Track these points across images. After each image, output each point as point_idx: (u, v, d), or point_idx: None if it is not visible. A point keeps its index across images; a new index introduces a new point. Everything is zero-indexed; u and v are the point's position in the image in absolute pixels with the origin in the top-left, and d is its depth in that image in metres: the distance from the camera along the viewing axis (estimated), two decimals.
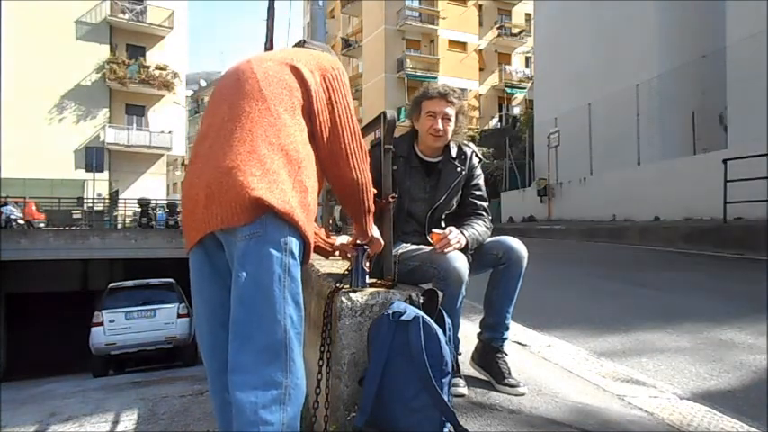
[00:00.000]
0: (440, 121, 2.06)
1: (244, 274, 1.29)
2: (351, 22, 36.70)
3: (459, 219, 2.11)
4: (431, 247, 1.99)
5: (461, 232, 1.95)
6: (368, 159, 1.56)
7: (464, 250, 1.92)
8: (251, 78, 1.44)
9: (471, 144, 2.23)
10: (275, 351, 1.28)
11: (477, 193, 2.17)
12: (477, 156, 2.19)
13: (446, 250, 1.85)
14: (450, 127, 2.09)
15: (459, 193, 2.15)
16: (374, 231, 1.75)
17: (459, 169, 2.13)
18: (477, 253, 2.01)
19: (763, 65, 8.67)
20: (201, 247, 1.40)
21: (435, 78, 29.04)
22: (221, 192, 1.31)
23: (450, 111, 2.07)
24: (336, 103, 1.49)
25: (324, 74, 1.50)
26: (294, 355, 1.31)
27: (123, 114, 24.85)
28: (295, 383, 1.30)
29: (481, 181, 2.20)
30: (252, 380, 1.26)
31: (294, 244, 1.33)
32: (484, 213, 2.14)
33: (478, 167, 2.20)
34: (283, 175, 1.33)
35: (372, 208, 1.65)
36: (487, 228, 2.10)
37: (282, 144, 1.35)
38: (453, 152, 2.14)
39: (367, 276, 1.79)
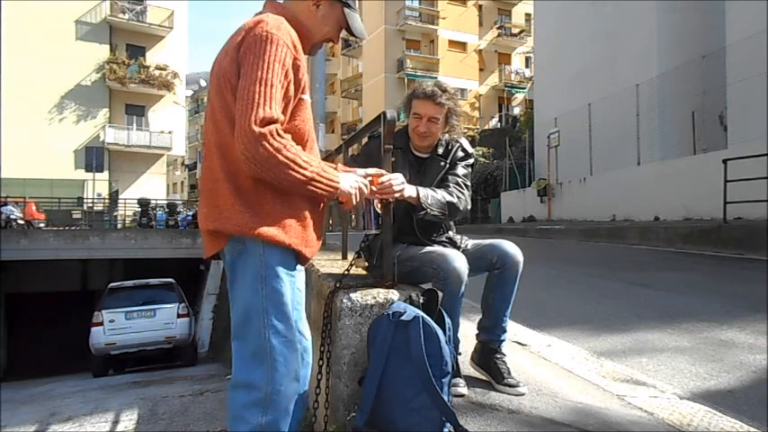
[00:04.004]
0: (424, 122, 2.04)
1: (232, 284, 1.39)
2: None
3: None
4: (430, 248, 1.99)
5: (418, 190, 1.89)
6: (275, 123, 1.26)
7: (418, 207, 1.89)
8: (210, 92, 1.43)
9: (462, 139, 2.18)
10: (260, 358, 1.34)
11: (453, 171, 2.10)
12: (463, 149, 2.14)
13: (387, 192, 1.69)
14: (437, 128, 2.06)
15: None
16: (342, 184, 1.40)
17: (442, 164, 2.11)
18: (472, 257, 2.00)
19: (763, 65, 8.65)
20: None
21: (435, 78, 28.99)
22: (200, 222, 1.43)
23: (437, 112, 2.02)
24: (242, 67, 1.28)
25: (241, 41, 1.31)
26: (278, 364, 1.34)
27: (123, 114, 24.90)
28: (277, 390, 1.34)
29: (461, 170, 2.12)
30: (240, 380, 1.36)
31: (272, 256, 1.35)
32: (451, 185, 2.05)
33: (464, 160, 2.14)
34: (240, 197, 1.32)
35: (310, 175, 1.30)
36: (451, 194, 2.00)
37: (231, 165, 1.32)
38: (440, 149, 2.12)
39: (380, 219, 1.78)
